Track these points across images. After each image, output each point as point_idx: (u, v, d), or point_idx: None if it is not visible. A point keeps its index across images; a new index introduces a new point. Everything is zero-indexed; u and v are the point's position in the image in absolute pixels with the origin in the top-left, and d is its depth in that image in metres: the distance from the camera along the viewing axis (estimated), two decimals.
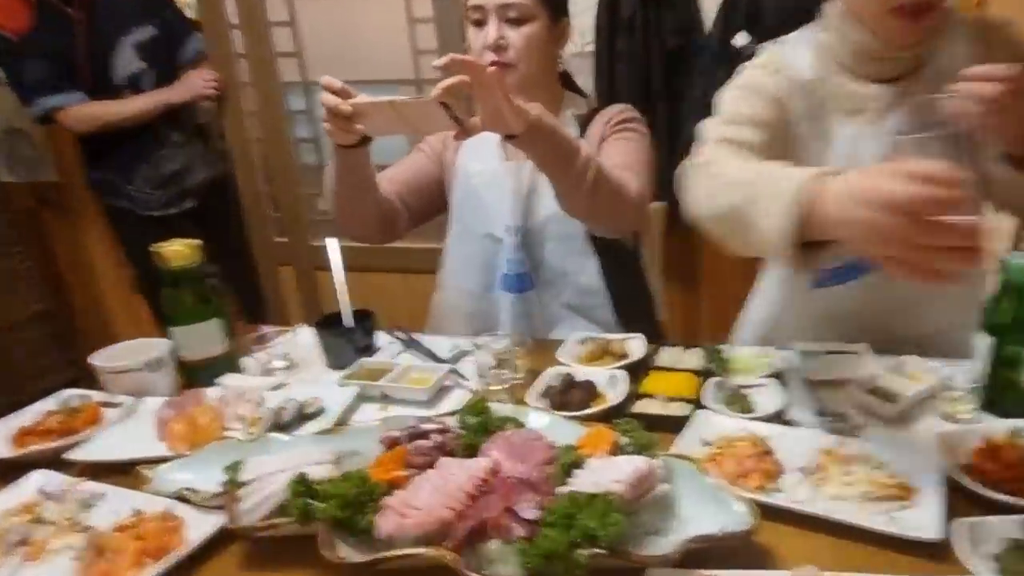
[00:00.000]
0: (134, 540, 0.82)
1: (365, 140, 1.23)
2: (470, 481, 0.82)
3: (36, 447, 1.08)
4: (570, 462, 0.82)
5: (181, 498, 0.91)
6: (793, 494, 0.84)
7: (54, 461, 1.04)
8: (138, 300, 3.04)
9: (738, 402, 1.05)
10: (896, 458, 0.87)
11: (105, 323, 3.20)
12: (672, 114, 2.36)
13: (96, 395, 1.26)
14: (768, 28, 2.01)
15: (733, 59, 2.02)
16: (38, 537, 0.87)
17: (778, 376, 1.13)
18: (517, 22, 1.36)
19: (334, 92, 1.14)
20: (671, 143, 2.30)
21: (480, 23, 1.37)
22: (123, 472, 1.00)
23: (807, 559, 0.73)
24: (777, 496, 0.84)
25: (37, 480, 0.99)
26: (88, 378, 1.30)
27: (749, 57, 1.24)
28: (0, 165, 3.05)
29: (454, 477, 0.83)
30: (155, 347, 1.28)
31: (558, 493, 0.79)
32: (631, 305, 1.56)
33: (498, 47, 1.36)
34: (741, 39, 2.13)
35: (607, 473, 0.78)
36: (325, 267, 2.68)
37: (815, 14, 1.18)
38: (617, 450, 0.88)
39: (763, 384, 1.10)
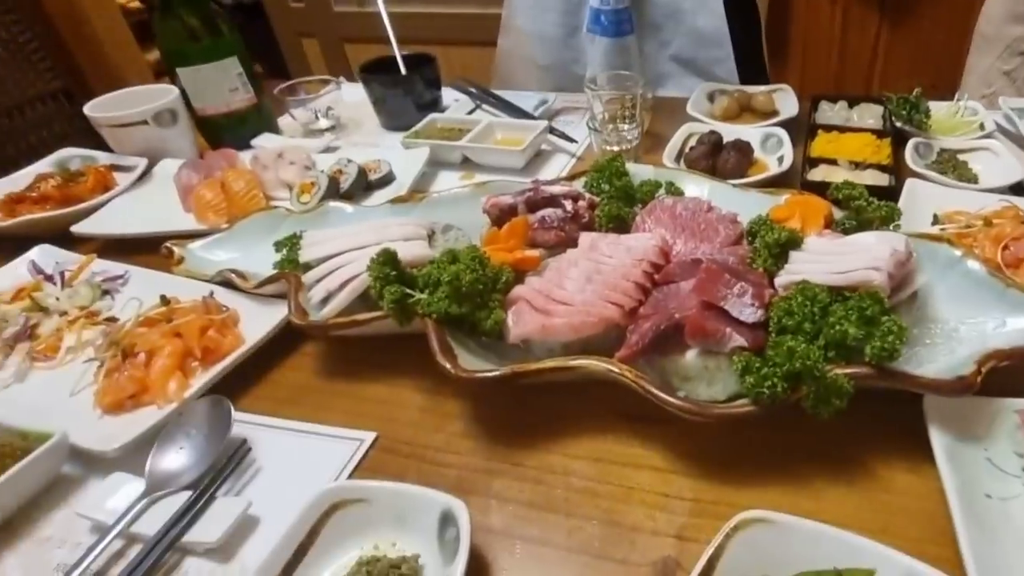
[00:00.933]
0: (170, 338, 0.58)
1: None
2: (637, 267, 0.56)
3: (29, 217, 0.81)
4: (781, 240, 0.55)
5: (226, 283, 0.66)
6: None
7: (53, 235, 0.78)
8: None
9: (955, 169, 0.76)
10: None
11: None
12: None
13: (102, 156, 0.97)
14: None
15: None
16: (44, 330, 0.63)
17: (990, 138, 0.82)
18: None
19: None
20: None
21: None
22: (145, 250, 0.74)
23: None
24: None
25: (33, 257, 0.73)
26: None
27: None
28: None
29: (612, 260, 0.57)
30: (162, 94, 0.96)
31: (777, 284, 0.52)
32: (748, 61, 1.20)
33: None
34: None
35: (851, 257, 0.51)
36: (353, 38, 2.21)
37: None
38: (831, 226, 0.60)
39: (981, 147, 0.79)
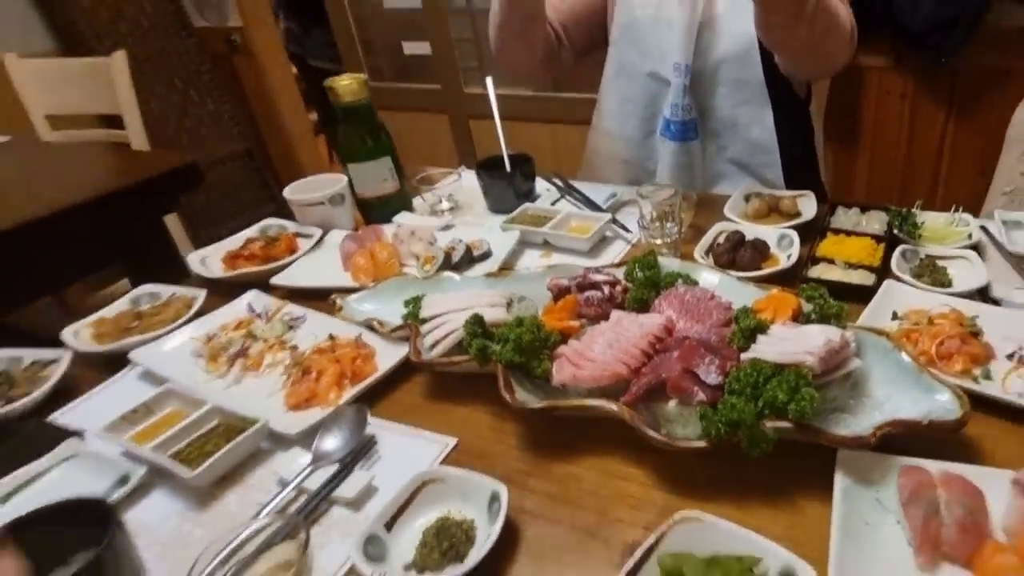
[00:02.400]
0: (333, 363, 0.81)
1: None
2: (645, 338, 0.73)
3: (245, 270, 1.09)
4: (752, 326, 0.70)
5: (369, 327, 0.89)
6: (1005, 385, 0.68)
7: (258, 283, 1.06)
8: (319, 141, 3.07)
9: (932, 274, 0.86)
10: None
11: (293, 162, 3.26)
12: None
13: (291, 225, 1.26)
14: None
15: None
16: (253, 351, 0.89)
17: (977, 248, 0.92)
18: None
19: None
20: None
21: None
22: (317, 299, 1.00)
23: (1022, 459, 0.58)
24: (987, 385, 0.68)
25: (249, 299, 1.00)
26: (285, 212, 1.30)
27: None
28: (191, 10, 3.03)
29: (628, 332, 0.74)
30: (336, 182, 1.25)
31: (742, 359, 0.68)
32: (799, 164, 1.32)
33: None
34: None
35: (796, 343, 0.66)
36: (477, 115, 2.52)
37: None
38: (799, 317, 0.74)
39: (960, 256, 0.89)
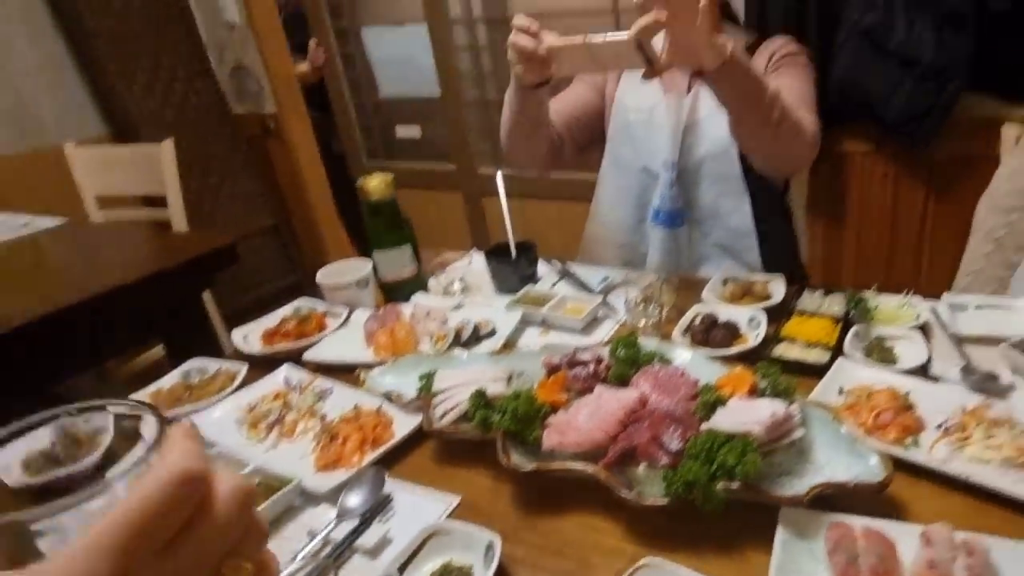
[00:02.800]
0: (356, 430, 0.95)
1: (547, 79, 1.20)
2: (622, 410, 0.86)
3: (281, 346, 1.25)
4: (712, 400, 0.83)
5: (388, 399, 1.03)
6: (931, 452, 0.80)
7: (292, 358, 1.21)
8: (338, 221, 3.31)
9: (880, 352, 0.99)
10: None
11: (317, 238, 3.48)
12: (825, 42, 2.06)
13: (320, 305, 1.42)
14: None
15: None
16: (288, 419, 1.03)
17: (924, 328, 1.04)
18: None
19: (529, 34, 1.09)
20: (823, 74, 2.03)
21: None
22: (344, 372, 1.14)
23: (941, 517, 0.68)
24: (914, 452, 0.80)
25: (284, 373, 1.15)
26: (305, 283, 1.46)
27: None
28: (231, 98, 3.33)
29: (608, 404, 0.88)
30: (362, 267, 1.42)
31: (701, 429, 0.80)
32: (778, 247, 1.48)
33: None
34: None
35: (747, 414, 0.79)
36: (489, 193, 2.72)
37: None
38: (756, 391, 0.87)
39: (907, 336, 1.02)
